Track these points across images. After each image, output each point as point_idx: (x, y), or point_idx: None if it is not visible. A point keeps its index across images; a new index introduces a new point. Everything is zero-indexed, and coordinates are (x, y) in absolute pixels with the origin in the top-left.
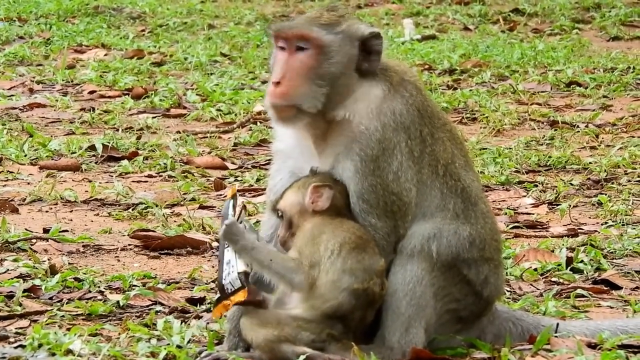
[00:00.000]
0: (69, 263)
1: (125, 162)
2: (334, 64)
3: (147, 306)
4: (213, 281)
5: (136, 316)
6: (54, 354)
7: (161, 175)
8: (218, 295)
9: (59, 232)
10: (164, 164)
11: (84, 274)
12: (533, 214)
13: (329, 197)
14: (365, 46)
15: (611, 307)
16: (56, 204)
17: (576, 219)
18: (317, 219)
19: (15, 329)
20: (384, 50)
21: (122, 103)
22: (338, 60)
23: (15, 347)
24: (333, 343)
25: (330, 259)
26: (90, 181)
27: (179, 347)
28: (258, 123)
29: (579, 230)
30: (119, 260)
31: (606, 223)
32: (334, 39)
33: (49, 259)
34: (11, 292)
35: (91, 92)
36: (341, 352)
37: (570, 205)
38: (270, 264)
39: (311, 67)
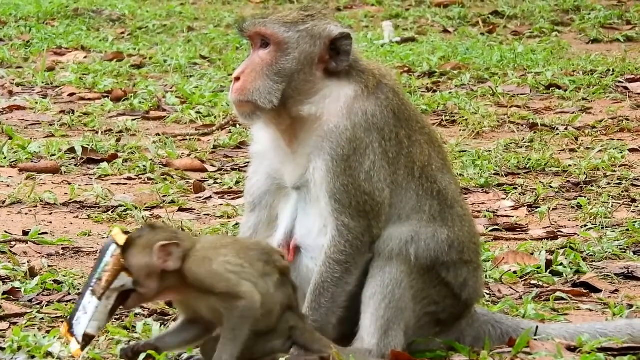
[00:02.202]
0: (49, 265)
1: (104, 164)
2: (290, 61)
3: None
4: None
5: (115, 318)
6: (33, 357)
7: (140, 178)
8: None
9: (39, 234)
10: (144, 166)
11: (64, 276)
12: (512, 216)
13: (180, 257)
14: (335, 46)
15: (590, 310)
16: (36, 206)
17: (556, 222)
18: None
19: None
20: (357, 51)
21: (102, 105)
22: (295, 57)
23: None
24: (298, 333)
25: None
26: (69, 183)
27: None
28: (237, 125)
29: (559, 233)
30: None
31: (585, 226)
32: (292, 36)
33: (28, 262)
34: None
35: (71, 95)
36: (308, 342)
37: (549, 208)
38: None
39: (268, 63)
